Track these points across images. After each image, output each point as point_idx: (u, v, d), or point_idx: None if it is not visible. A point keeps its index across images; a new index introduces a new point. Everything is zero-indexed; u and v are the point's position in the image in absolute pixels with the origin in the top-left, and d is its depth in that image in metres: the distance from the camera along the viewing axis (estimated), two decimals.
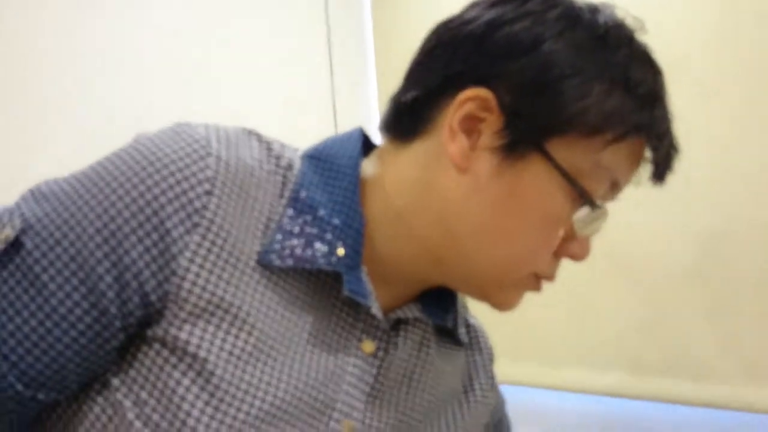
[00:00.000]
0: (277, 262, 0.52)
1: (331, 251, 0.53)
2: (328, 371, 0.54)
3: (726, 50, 1.31)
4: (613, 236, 1.39)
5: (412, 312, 0.59)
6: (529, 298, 1.61)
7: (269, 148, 0.56)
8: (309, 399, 0.53)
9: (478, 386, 0.69)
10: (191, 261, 0.49)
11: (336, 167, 0.57)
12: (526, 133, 0.52)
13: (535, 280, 0.57)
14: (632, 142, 0.54)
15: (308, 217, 0.54)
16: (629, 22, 0.55)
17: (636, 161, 0.56)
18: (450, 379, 0.65)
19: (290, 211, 0.54)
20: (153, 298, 0.49)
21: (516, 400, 1.61)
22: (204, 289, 0.49)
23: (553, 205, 0.53)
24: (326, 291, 0.55)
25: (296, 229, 0.53)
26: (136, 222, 0.48)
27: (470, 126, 0.53)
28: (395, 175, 0.57)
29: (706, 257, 1.34)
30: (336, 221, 0.54)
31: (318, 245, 0.53)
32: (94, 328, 0.48)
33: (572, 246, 0.56)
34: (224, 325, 0.50)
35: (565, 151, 0.52)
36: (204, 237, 0.49)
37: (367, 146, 0.60)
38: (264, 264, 0.52)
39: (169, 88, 1.52)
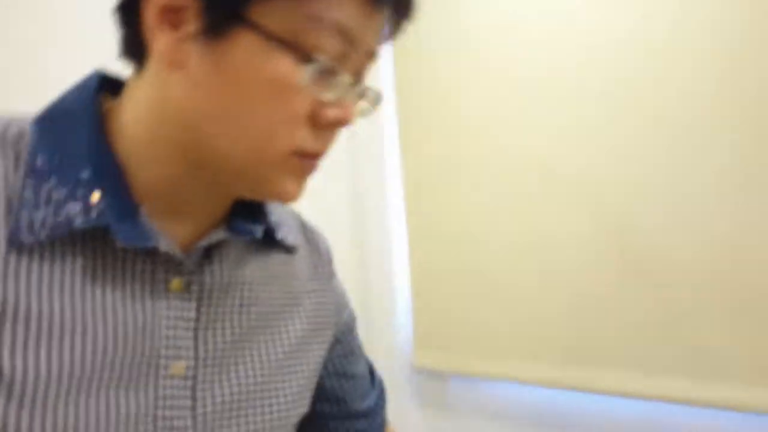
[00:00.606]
0: (30, 239, 0.49)
1: (88, 206, 0.50)
2: (139, 323, 0.53)
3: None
4: (627, 236, 1.40)
5: (217, 235, 0.58)
6: (544, 299, 1.51)
7: None
8: (125, 357, 0.52)
9: (318, 285, 0.71)
10: None
11: (72, 119, 0.54)
12: (224, 7, 0.49)
13: (304, 160, 0.54)
14: None
15: (53, 181, 0.51)
16: None
17: (362, 3, 0.51)
18: (286, 285, 0.66)
19: (30, 182, 0.50)
20: None
21: (530, 399, 1.61)
22: None
23: (277, 74, 0.50)
24: (109, 247, 0.52)
25: (42, 198, 0.50)
26: None
27: (174, 18, 0.50)
28: (134, 102, 0.54)
29: (722, 258, 1.32)
30: (84, 175, 0.51)
31: (71, 205, 0.50)
32: None
33: (329, 112, 0.52)
34: None
35: (272, 13, 0.49)
36: None
37: (118, 87, 0.58)
38: (18, 245, 0.49)
39: None
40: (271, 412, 0.61)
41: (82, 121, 0.53)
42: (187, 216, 0.57)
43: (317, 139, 0.53)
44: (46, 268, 0.50)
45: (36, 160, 0.51)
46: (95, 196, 0.51)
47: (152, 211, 0.54)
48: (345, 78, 0.52)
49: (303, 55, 0.50)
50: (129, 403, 0.52)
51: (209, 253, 0.58)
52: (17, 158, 0.51)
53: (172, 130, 0.53)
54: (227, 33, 0.49)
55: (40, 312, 0.49)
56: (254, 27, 0.49)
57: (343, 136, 1.94)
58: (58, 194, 0.50)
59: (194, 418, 0.55)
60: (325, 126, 0.53)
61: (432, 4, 1.78)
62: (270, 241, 0.65)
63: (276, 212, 0.67)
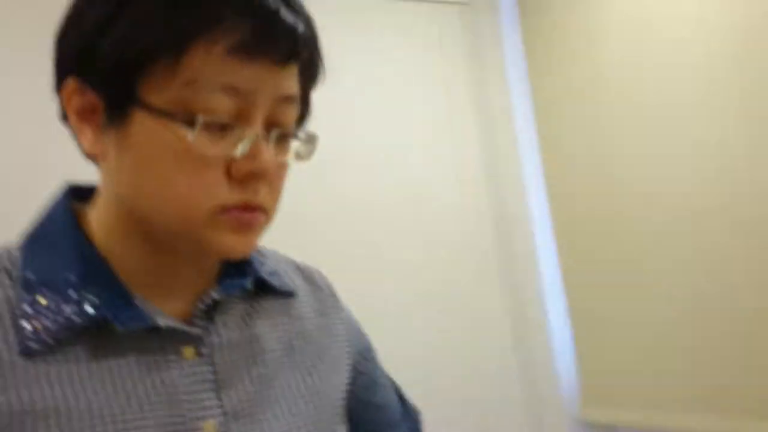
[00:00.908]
0: (37, 347, 0.53)
1: (81, 305, 0.54)
2: (161, 395, 0.56)
3: None
4: None
5: (210, 297, 0.60)
6: (720, 347, 1.46)
7: None
8: (154, 430, 0.54)
9: (326, 320, 0.72)
10: None
11: (54, 232, 0.59)
12: (117, 94, 0.53)
13: (236, 214, 0.55)
14: (206, 44, 0.52)
15: (44, 290, 0.55)
16: None
17: (234, 57, 0.52)
18: (294, 327, 0.68)
19: (24, 296, 0.55)
20: None
21: None
22: None
23: (173, 143, 0.53)
24: (114, 334, 0.55)
25: (38, 307, 0.54)
26: None
27: (90, 117, 0.56)
28: (98, 201, 0.60)
29: None
30: (72, 277, 0.55)
31: (66, 308, 0.54)
32: None
33: (240, 165, 0.54)
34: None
35: (157, 88, 0.52)
36: None
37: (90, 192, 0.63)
38: (29, 353, 0.53)
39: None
40: None
41: (64, 232, 0.59)
42: (178, 289, 0.60)
43: (242, 192, 0.55)
44: (62, 367, 0.54)
45: (27, 275, 0.56)
46: (85, 295, 0.55)
47: (146, 293, 0.58)
48: (247, 130, 0.54)
49: (188, 119, 0.52)
50: None
51: (212, 316, 0.61)
52: (11, 278, 0.56)
53: (122, 216, 0.58)
54: (126, 117, 0.54)
55: (68, 408, 0.52)
56: (143, 106, 0.53)
57: (485, 184, 1.97)
58: (53, 301, 0.55)
59: None
60: (243, 179, 0.54)
61: (571, 22, 1.79)
62: (268, 291, 0.67)
63: (269, 262, 0.70)
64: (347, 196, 1.77)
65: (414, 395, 0.84)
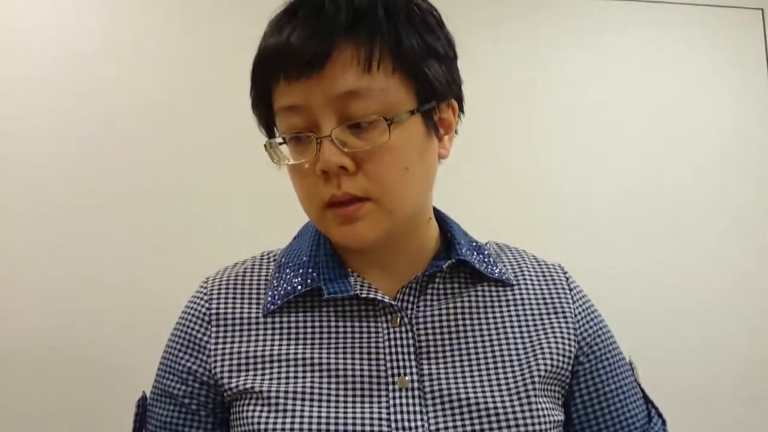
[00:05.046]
0: (272, 307, 0.71)
1: (305, 278, 0.72)
2: (364, 353, 0.69)
3: None
4: None
5: (414, 277, 0.72)
6: None
7: (261, 254, 0.80)
8: (356, 378, 0.68)
9: (547, 308, 0.76)
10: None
11: (308, 229, 0.78)
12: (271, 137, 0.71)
13: (332, 209, 0.65)
14: (272, 82, 0.65)
15: (287, 270, 0.74)
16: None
17: (279, 84, 0.64)
18: (506, 310, 0.75)
19: (276, 273, 0.75)
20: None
21: None
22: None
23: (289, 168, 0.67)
24: (329, 302, 0.71)
25: (281, 281, 0.73)
26: None
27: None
28: None
29: None
30: (304, 259, 0.74)
31: (296, 280, 0.72)
32: None
33: (318, 166, 0.63)
34: (271, 371, 0.69)
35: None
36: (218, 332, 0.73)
37: None
38: (268, 312, 0.72)
39: None
40: (498, 421, 0.66)
41: (311, 227, 0.76)
42: (392, 270, 0.73)
43: (329, 188, 0.64)
44: (285, 323, 0.71)
45: (281, 260, 0.76)
46: (310, 271, 0.72)
47: (365, 273, 0.73)
48: (311, 137, 0.63)
49: (284, 140, 0.66)
50: (364, 411, 0.66)
51: (424, 291, 0.72)
52: (275, 262, 0.77)
53: None
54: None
55: (288, 353, 0.69)
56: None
57: None
58: (289, 275, 0.73)
59: (424, 421, 0.66)
60: (324, 177, 0.64)
61: None
62: (485, 279, 0.75)
63: (495, 253, 0.80)
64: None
65: None
